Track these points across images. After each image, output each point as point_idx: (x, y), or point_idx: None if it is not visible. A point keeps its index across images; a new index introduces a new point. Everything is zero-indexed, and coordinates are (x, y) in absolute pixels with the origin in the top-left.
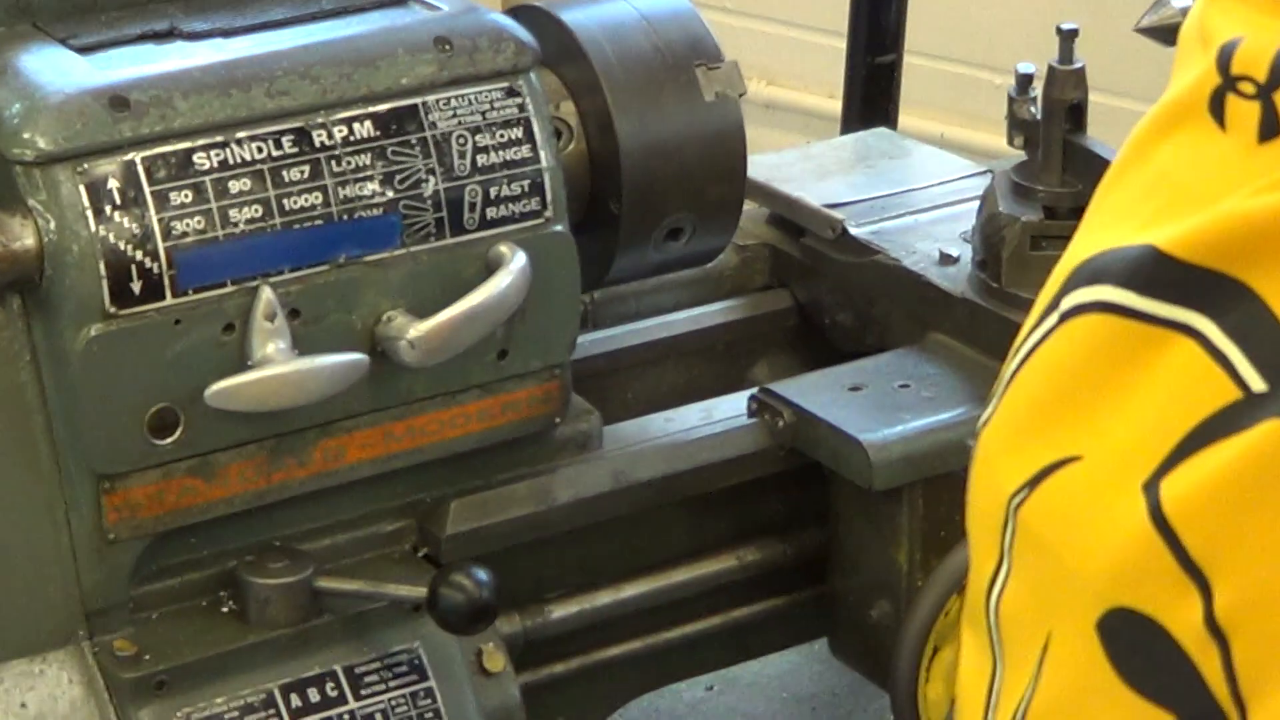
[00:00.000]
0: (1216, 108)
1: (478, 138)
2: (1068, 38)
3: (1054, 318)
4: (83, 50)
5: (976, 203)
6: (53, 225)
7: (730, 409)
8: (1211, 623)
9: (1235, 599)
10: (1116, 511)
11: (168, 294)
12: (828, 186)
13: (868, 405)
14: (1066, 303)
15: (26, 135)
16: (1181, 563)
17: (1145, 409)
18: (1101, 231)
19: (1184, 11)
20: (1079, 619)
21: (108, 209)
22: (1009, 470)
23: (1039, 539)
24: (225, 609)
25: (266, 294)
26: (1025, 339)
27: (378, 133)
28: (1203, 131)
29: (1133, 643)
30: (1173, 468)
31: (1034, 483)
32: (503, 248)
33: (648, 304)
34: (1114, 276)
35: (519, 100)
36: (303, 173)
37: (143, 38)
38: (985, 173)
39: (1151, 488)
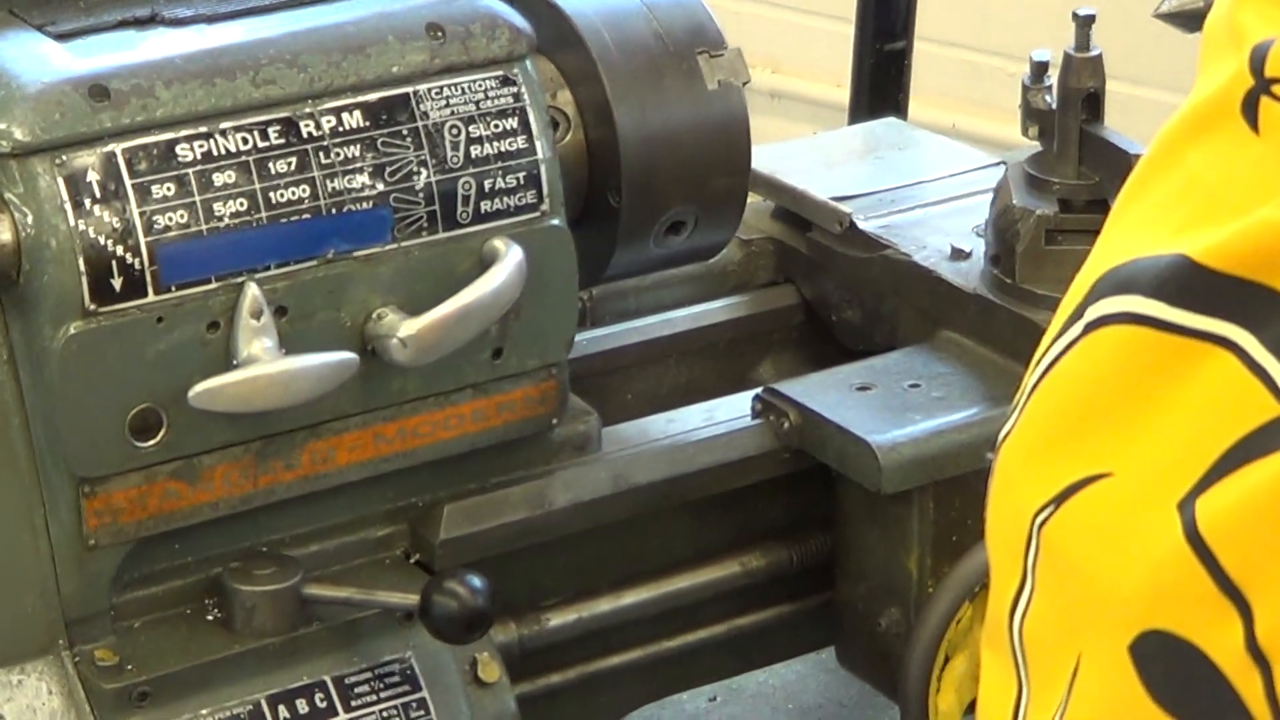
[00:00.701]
0: (1250, 111)
1: (471, 128)
2: (1084, 24)
3: (1078, 328)
4: (61, 37)
5: (989, 195)
6: (30, 219)
7: (733, 410)
8: (1253, 646)
9: (1278, 621)
10: (1149, 531)
11: (150, 291)
12: (835, 178)
13: (876, 405)
14: (1092, 313)
15: (2, 126)
16: (1220, 584)
17: (1179, 425)
18: (1128, 238)
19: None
20: (1111, 642)
21: (87, 202)
22: (1032, 487)
23: (1066, 559)
24: (210, 617)
25: (252, 291)
26: (1047, 349)
27: (367, 123)
28: (1235, 135)
29: (1168, 667)
30: (1209, 486)
31: (1060, 500)
32: (497, 242)
33: (648, 301)
34: (1143, 286)
35: (514, 89)
36: (290, 164)
37: (123, 24)
38: (999, 164)
39: (1187, 507)
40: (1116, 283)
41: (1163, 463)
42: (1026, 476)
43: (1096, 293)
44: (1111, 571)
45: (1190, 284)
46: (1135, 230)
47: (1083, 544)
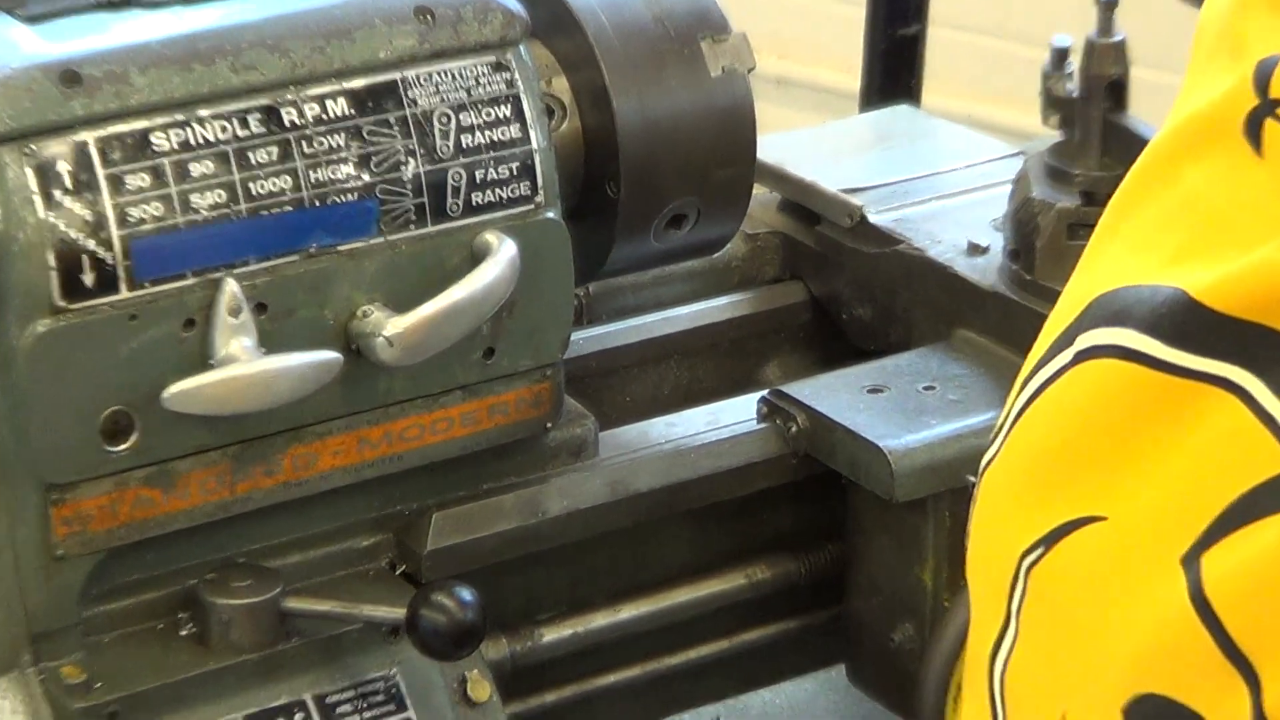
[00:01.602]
0: (1253, 131)
1: (462, 116)
2: (1107, 8)
3: (1068, 355)
4: (31, 20)
5: (1008, 188)
6: None
7: (738, 412)
8: (1260, 718)
9: None
10: (1149, 586)
11: (123, 287)
12: (845, 169)
13: (889, 408)
14: (1083, 341)
15: None
16: (1226, 651)
17: (1180, 471)
18: (1122, 259)
19: None
20: (1102, 701)
21: (57, 193)
22: (1019, 523)
23: (1056, 607)
24: (184, 632)
25: (231, 287)
26: (1033, 373)
27: (353, 111)
28: (1237, 156)
29: None
30: (1214, 542)
31: (1049, 541)
32: (489, 236)
33: (648, 298)
34: (1138, 321)
35: (507, 75)
36: (271, 154)
37: (96, 6)
38: (1018, 155)
39: (1191, 565)
40: (1110, 313)
41: (1162, 510)
42: (1013, 511)
43: (1088, 319)
44: (1107, 627)
45: (1189, 323)
46: (1129, 250)
47: (1074, 593)
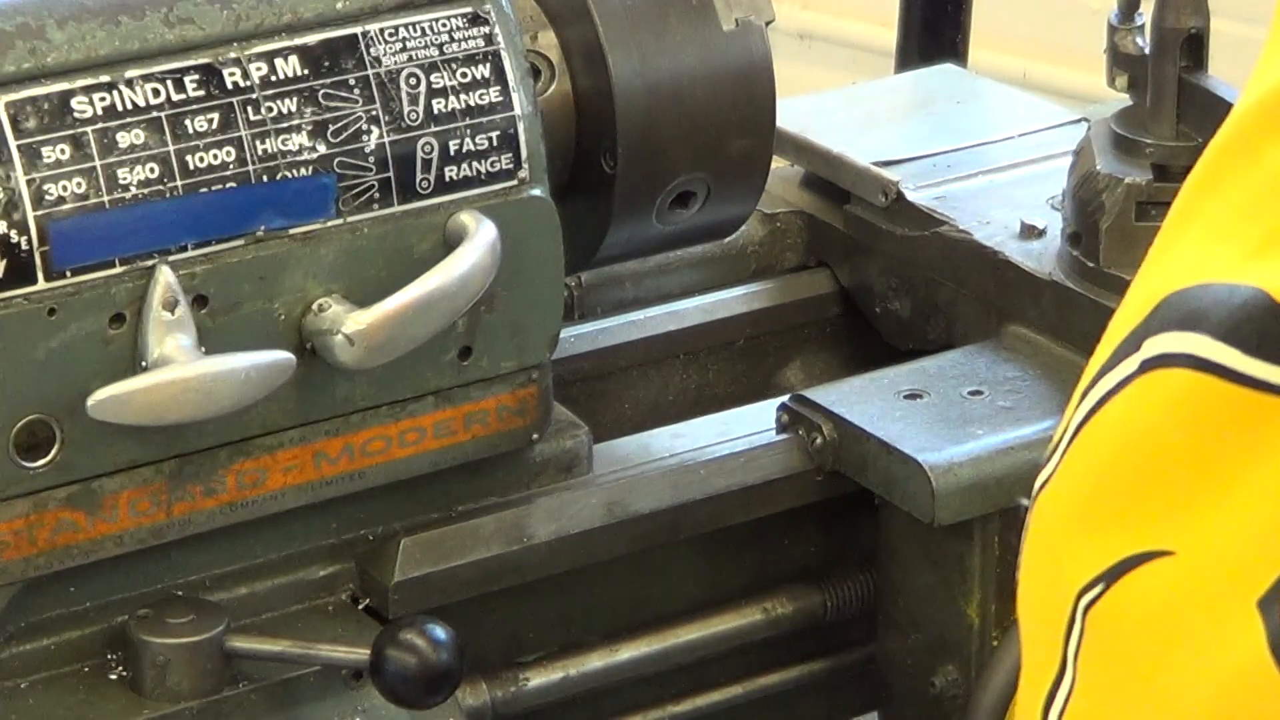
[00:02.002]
0: None
1: (433, 78)
2: None
3: (1133, 363)
4: None
5: (1068, 160)
6: None
7: (754, 422)
8: None
9: None
10: (1224, 631)
11: (39, 276)
12: (879, 139)
13: (929, 417)
14: (1151, 347)
15: None
16: None
17: (1258, 501)
18: (1198, 250)
19: None
20: None
21: None
22: (1077, 555)
23: (1119, 653)
24: (113, 676)
25: (165, 277)
26: (1095, 381)
27: (306, 71)
28: None
29: None
30: None
31: (1110, 578)
32: (465, 217)
33: (650, 289)
34: (1213, 325)
35: (485, 30)
36: (211, 122)
37: None
38: (1079, 122)
39: (1271, 608)
40: (1182, 314)
41: (1237, 546)
42: (1069, 541)
43: (1157, 320)
44: (1177, 676)
45: (1272, 329)
46: (1207, 238)
47: (1139, 637)
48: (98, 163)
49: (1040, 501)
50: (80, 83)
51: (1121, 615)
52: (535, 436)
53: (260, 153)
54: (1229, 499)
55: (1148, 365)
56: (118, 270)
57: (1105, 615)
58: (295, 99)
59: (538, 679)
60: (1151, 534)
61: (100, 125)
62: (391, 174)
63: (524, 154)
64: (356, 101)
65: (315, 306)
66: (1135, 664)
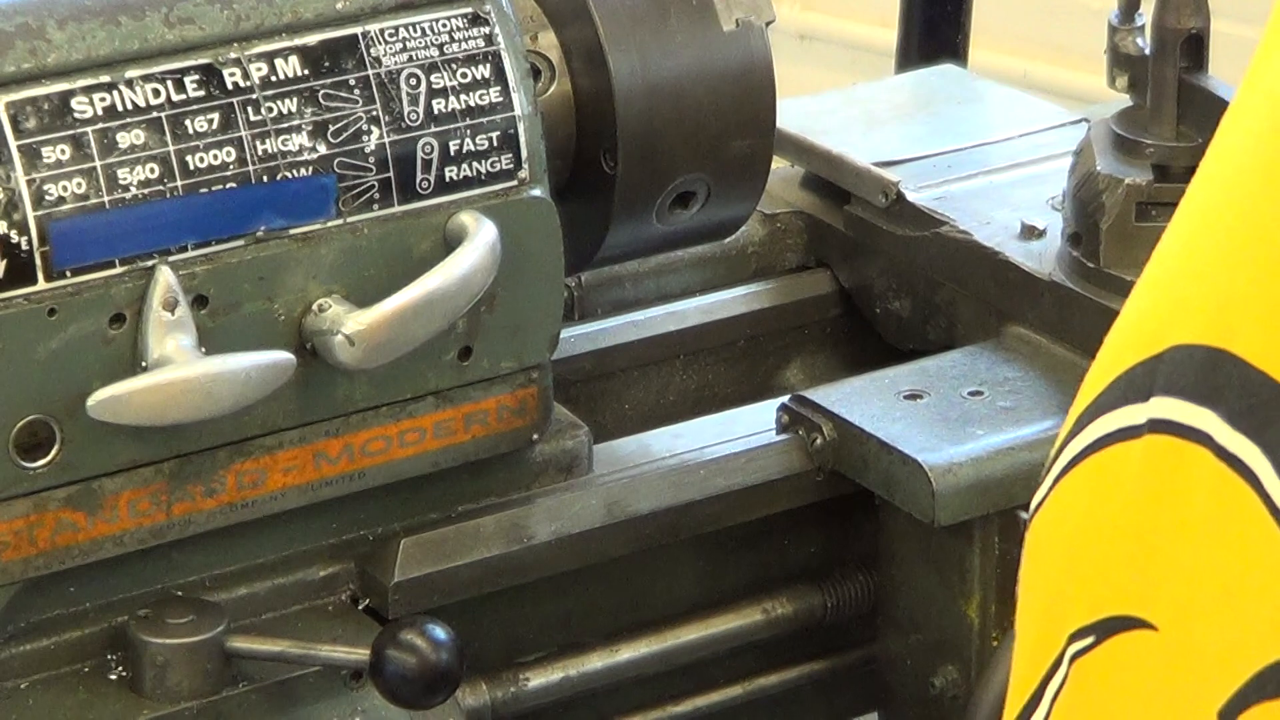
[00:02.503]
0: None
1: (433, 78)
2: None
3: (1139, 414)
4: None
5: (1068, 160)
6: None
7: (754, 422)
8: None
9: None
10: None
11: (40, 277)
12: (879, 139)
13: (929, 417)
14: (1162, 406)
15: None
16: None
17: (1240, 603)
18: (1209, 257)
19: None
20: None
21: None
22: (1070, 595)
23: (1099, 712)
24: (113, 676)
25: (165, 277)
26: (1094, 414)
27: (306, 71)
28: None
29: None
30: (1249, 705)
31: (1099, 633)
32: (465, 218)
33: (650, 289)
34: (1230, 409)
35: (485, 30)
36: (211, 122)
37: None
38: (1079, 122)
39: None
40: (1198, 378)
41: (1211, 642)
42: (1062, 580)
43: (1175, 371)
44: None
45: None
46: (1218, 264)
47: (1117, 706)
48: (98, 163)
49: (1037, 524)
50: (80, 83)
51: (1104, 678)
52: (535, 437)
53: (260, 153)
54: (1215, 589)
55: (1157, 427)
56: (118, 270)
57: (1090, 672)
58: (295, 99)
59: (538, 679)
60: (1136, 597)
61: (100, 125)
62: (391, 174)
63: (524, 154)
64: (357, 102)
65: (315, 307)
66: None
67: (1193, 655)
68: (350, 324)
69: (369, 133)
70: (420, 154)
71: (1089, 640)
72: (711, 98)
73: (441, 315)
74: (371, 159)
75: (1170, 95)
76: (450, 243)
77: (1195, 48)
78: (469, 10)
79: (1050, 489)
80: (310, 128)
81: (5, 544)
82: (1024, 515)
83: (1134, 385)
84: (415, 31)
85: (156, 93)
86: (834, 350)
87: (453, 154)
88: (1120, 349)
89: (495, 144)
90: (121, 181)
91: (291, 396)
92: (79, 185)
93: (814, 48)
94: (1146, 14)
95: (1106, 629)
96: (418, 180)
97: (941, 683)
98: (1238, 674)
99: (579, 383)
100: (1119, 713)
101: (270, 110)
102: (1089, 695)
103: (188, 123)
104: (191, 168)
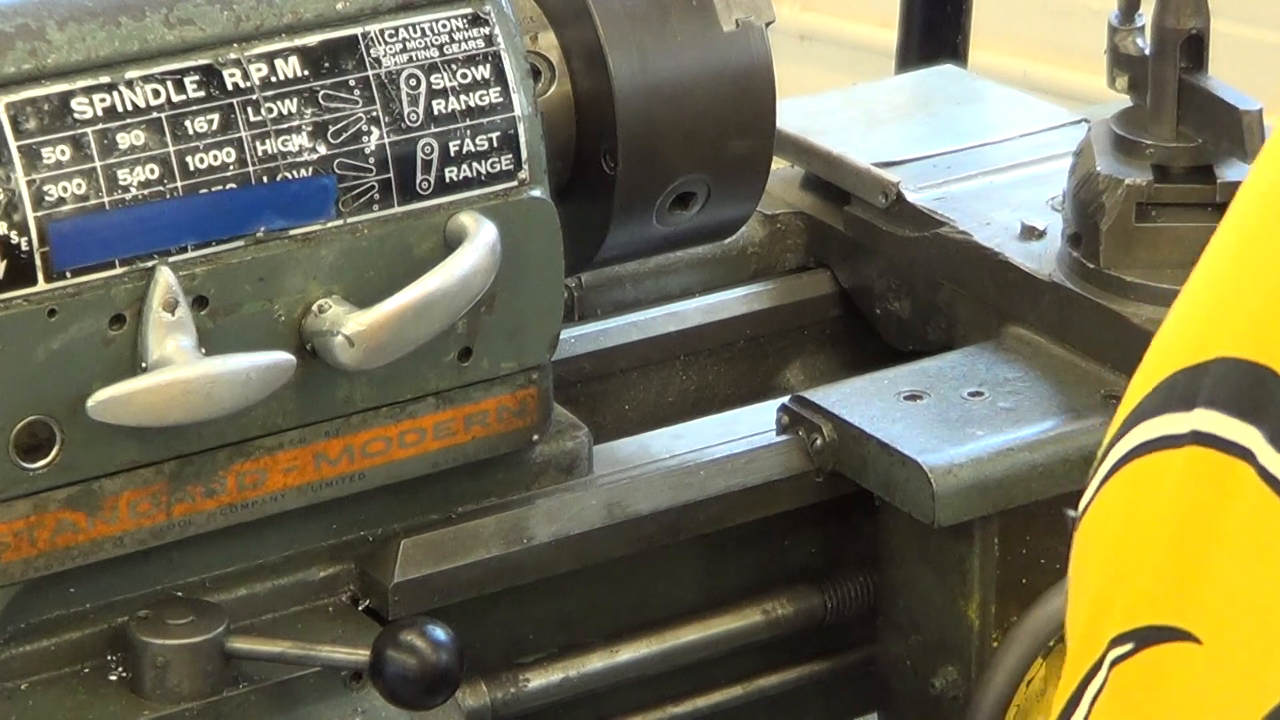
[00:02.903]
0: None
1: (433, 78)
2: None
3: (1184, 423)
4: None
5: (1068, 161)
6: None
7: (754, 423)
8: None
9: None
10: None
11: (40, 277)
12: (879, 140)
13: (929, 418)
14: (1206, 419)
15: None
16: None
17: (1277, 610)
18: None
19: None
20: None
21: None
22: (1111, 600)
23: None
24: (113, 677)
25: (165, 277)
26: (1139, 417)
27: (306, 72)
28: None
29: None
30: None
31: (1140, 641)
32: (465, 218)
33: (650, 290)
34: (1274, 425)
35: (485, 31)
36: (211, 123)
37: None
38: (1079, 122)
39: None
40: (1242, 393)
41: (1253, 656)
42: (1105, 579)
43: (1221, 383)
44: None
45: None
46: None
47: (1155, 716)
48: (98, 163)
49: (1083, 527)
50: (80, 83)
51: (1142, 688)
52: (535, 437)
53: (260, 154)
54: (1256, 601)
55: (1201, 440)
56: (118, 271)
57: (1129, 679)
58: (295, 100)
59: (538, 680)
60: (1183, 610)
61: (100, 126)
62: (391, 175)
63: (524, 155)
64: (357, 102)
65: (315, 307)
66: None
67: (1234, 669)
68: (350, 325)
69: (369, 133)
70: (420, 154)
71: (1128, 647)
72: (711, 98)
73: (441, 316)
74: (371, 159)
75: (1170, 95)
76: (450, 243)
77: (1195, 48)
78: (469, 11)
79: (1096, 491)
80: (310, 128)
81: (5, 545)
82: (1073, 513)
83: (1177, 393)
84: (415, 32)
85: (156, 93)
86: (834, 351)
87: (453, 154)
88: (1165, 353)
89: (495, 144)
90: (121, 182)
91: (291, 397)
92: (79, 186)
93: (814, 48)
94: (1146, 14)
95: (1145, 638)
96: (418, 181)
97: (941, 683)
98: (1276, 690)
99: (579, 383)
100: None
101: (270, 111)
102: (1127, 702)
103: (188, 123)
104: (191, 168)
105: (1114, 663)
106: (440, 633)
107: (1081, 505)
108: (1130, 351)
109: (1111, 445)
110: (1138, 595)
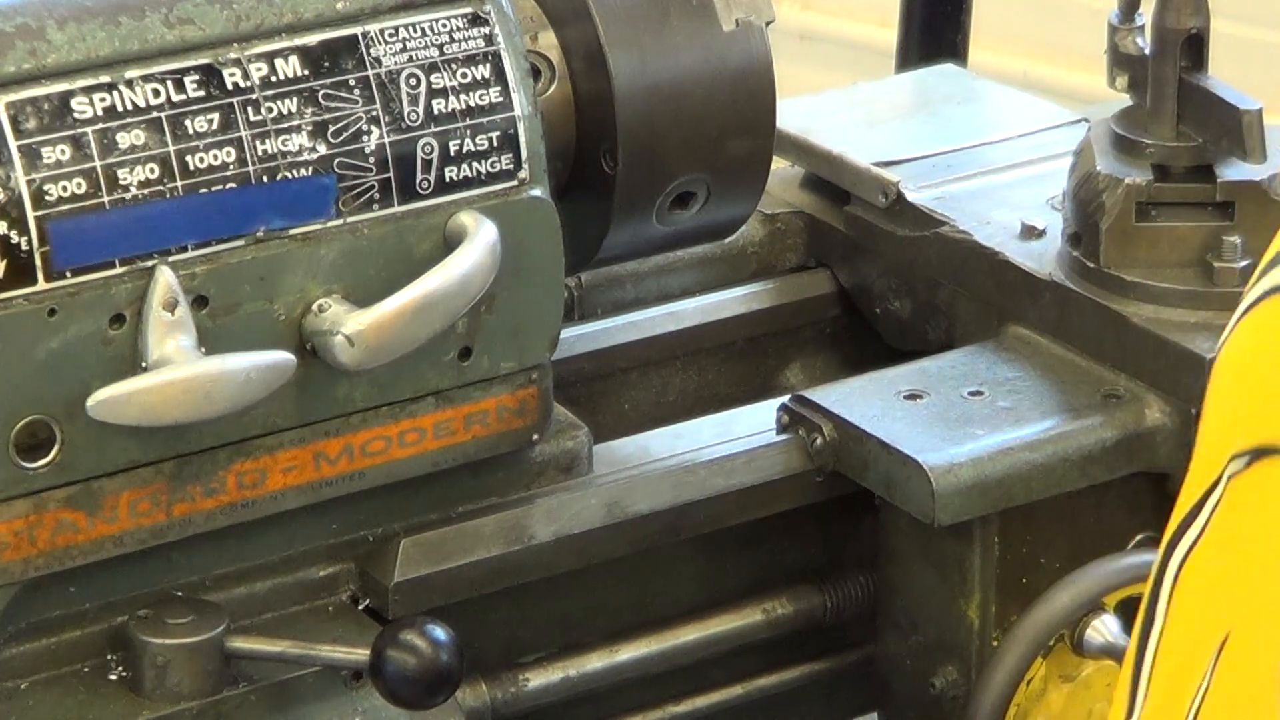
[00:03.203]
0: None
1: (433, 78)
2: None
3: None
4: None
5: (1068, 160)
6: None
7: (754, 422)
8: None
9: None
10: None
11: (40, 277)
12: (879, 139)
13: (929, 418)
14: None
15: None
16: None
17: None
18: None
19: None
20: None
21: None
22: (1233, 419)
23: (1247, 527)
24: (113, 676)
25: (165, 277)
26: (1272, 290)
27: (306, 71)
28: None
29: None
30: None
31: (1251, 457)
32: (465, 218)
33: (650, 289)
34: None
35: (485, 30)
36: (211, 122)
37: None
38: (1079, 122)
39: None
40: None
41: (1271, 641)
42: (1231, 403)
43: None
44: None
45: None
46: None
47: (1261, 522)
48: (98, 163)
49: (1221, 357)
50: (80, 83)
51: (1251, 499)
52: (535, 437)
53: (260, 153)
54: (1271, 585)
55: None
56: (118, 270)
57: (1240, 492)
58: (295, 99)
59: (538, 680)
60: (1228, 606)
61: (100, 125)
62: (391, 174)
63: (524, 154)
64: (357, 102)
65: (315, 307)
66: (1266, 533)
67: (1256, 658)
68: (350, 324)
69: (369, 133)
70: (420, 154)
71: (1244, 462)
72: (711, 98)
73: (441, 315)
74: (371, 159)
75: (1170, 95)
76: (450, 243)
77: (1195, 48)
78: (469, 10)
79: (1236, 324)
80: (310, 128)
81: (5, 544)
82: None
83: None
84: (415, 31)
85: (156, 93)
86: (834, 350)
87: (453, 154)
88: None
89: (495, 144)
90: (121, 182)
91: (291, 397)
92: (79, 185)
93: (814, 48)
94: (1146, 14)
95: (1257, 454)
96: (418, 180)
97: (941, 683)
98: None
99: (579, 383)
100: (1262, 529)
101: (270, 110)
102: (1240, 512)
103: (188, 123)
104: (191, 168)
105: (1230, 477)
106: (440, 632)
107: (1222, 338)
108: (1130, 351)
109: (1256, 282)
110: (1256, 418)
